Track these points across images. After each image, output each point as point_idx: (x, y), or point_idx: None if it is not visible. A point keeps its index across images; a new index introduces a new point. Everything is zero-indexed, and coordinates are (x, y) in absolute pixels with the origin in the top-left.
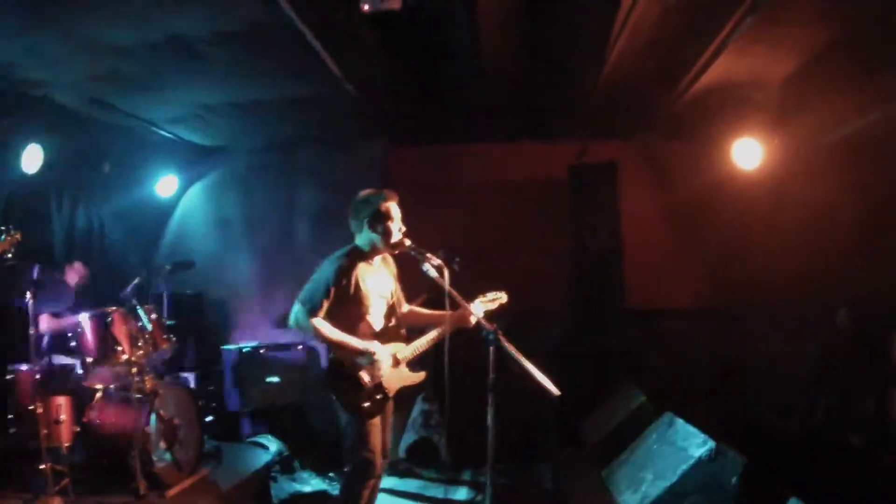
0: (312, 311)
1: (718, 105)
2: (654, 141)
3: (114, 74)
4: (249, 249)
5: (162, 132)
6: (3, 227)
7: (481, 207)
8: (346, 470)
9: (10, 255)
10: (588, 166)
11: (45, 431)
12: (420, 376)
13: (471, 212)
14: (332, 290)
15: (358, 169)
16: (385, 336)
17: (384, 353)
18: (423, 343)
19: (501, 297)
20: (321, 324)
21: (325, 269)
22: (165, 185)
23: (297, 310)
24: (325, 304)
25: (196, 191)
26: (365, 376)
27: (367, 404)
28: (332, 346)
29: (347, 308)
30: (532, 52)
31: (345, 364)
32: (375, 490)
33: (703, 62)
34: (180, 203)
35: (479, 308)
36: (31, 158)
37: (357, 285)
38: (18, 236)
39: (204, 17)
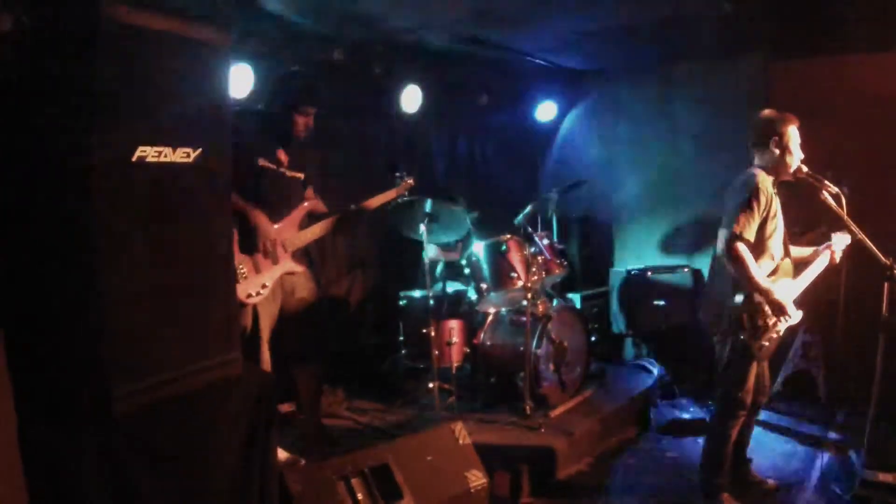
0: (738, 238)
1: None
2: None
3: (482, 13)
4: (632, 171)
5: (537, 61)
6: (398, 174)
7: (865, 126)
8: (716, 404)
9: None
10: None
11: (435, 353)
12: (799, 315)
13: (855, 131)
14: (756, 216)
15: (737, 86)
16: (780, 270)
17: (785, 294)
18: (808, 279)
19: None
20: (745, 252)
21: (747, 192)
22: (544, 110)
23: (722, 235)
24: (750, 230)
25: (575, 115)
26: (782, 320)
27: (765, 345)
28: (747, 281)
29: (758, 236)
30: None
31: (758, 303)
32: (750, 425)
33: None
34: (560, 128)
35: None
36: (411, 99)
37: (772, 211)
38: (411, 181)
39: None
